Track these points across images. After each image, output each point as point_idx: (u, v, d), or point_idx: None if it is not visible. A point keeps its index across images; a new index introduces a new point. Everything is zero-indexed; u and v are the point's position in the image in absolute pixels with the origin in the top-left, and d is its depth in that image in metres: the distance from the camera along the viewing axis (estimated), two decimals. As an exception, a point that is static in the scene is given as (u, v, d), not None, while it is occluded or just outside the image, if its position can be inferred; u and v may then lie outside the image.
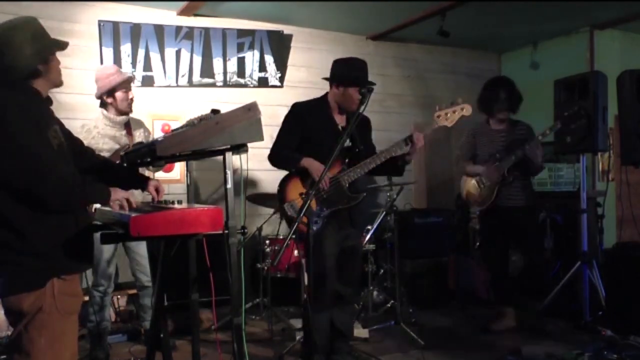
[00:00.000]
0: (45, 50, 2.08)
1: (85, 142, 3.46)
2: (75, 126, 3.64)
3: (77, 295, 2.13)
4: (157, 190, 2.45)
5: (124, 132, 3.70)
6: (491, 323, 4.21)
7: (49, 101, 2.18)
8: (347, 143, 3.16)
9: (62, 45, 2.16)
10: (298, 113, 3.27)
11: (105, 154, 3.50)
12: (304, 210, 2.41)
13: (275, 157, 3.24)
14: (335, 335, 3.30)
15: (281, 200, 3.15)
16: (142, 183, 2.48)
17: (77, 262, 2.08)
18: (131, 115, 3.79)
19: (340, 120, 3.29)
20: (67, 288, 2.05)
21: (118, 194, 2.15)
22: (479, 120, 4.35)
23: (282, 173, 3.28)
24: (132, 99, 3.71)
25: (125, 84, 3.66)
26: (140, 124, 3.88)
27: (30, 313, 1.97)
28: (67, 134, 2.28)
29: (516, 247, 4.27)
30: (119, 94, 3.63)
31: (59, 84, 2.17)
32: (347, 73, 3.19)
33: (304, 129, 3.21)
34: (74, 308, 2.11)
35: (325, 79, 3.33)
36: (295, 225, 2.47)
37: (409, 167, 6.03)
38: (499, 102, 4.13)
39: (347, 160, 3.15)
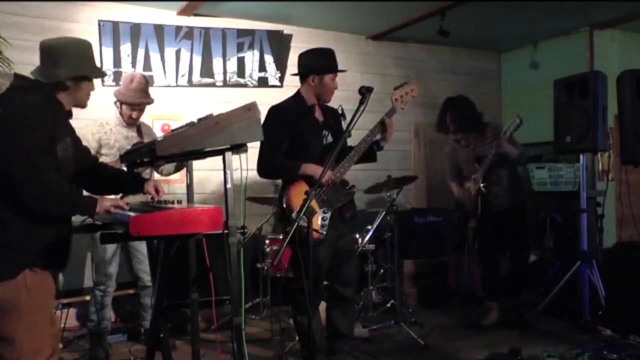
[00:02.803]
0: (81, 70, 2.18)
1: (97, 136, 3.57)
2: (75, 125, 3.65)
3: (49, 291, 2.18)
4: (157, 190, 2.45)
5: (135, 133, 3.73)
6: (480, 319, 4.27)
7: (69, 114, 2.27)
8: (329, 139, 3.16)
9: (101, 75, 2.30)
10: (282, 116, 3.11)
11: (115, 152, 3.56)
12: (305, 208, 2.41)
13: (269, 168, 3.06)
14: (335, 335, 3.29)
15: (289, 210, 2.99)
16: (141, 186, 2.47)
17: (49, 261, 2.12)
18: (142, 119, 3.83)
19: (318, 115, 3.23)
20: (40, 281, 2.09)
21: (105, 204, 2.16)
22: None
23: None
24: (135, 119, 3.71)
25: (136, 107, 3.67)
26: (148, 129, 3.91)
27: (4, 302, 2.03)
28: (76, 140, 2.34)
29: (505, 247, 4.29)
30: (125, 108, 3.66)
31: (82, 105, 2.29)
32: (322, 62, 3.21)
33: (291, 131, 3.10)
34: (46, 302, 2.17)
35: (295, 74, 3.27)
36: (310, 235, 2.48)
37: (408, 166, 6.12)
38: (445, 126, 4.14)
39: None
